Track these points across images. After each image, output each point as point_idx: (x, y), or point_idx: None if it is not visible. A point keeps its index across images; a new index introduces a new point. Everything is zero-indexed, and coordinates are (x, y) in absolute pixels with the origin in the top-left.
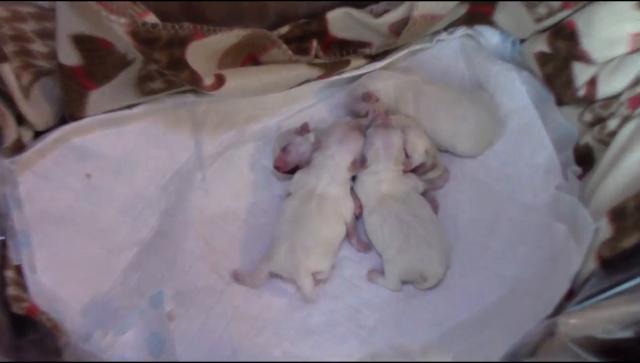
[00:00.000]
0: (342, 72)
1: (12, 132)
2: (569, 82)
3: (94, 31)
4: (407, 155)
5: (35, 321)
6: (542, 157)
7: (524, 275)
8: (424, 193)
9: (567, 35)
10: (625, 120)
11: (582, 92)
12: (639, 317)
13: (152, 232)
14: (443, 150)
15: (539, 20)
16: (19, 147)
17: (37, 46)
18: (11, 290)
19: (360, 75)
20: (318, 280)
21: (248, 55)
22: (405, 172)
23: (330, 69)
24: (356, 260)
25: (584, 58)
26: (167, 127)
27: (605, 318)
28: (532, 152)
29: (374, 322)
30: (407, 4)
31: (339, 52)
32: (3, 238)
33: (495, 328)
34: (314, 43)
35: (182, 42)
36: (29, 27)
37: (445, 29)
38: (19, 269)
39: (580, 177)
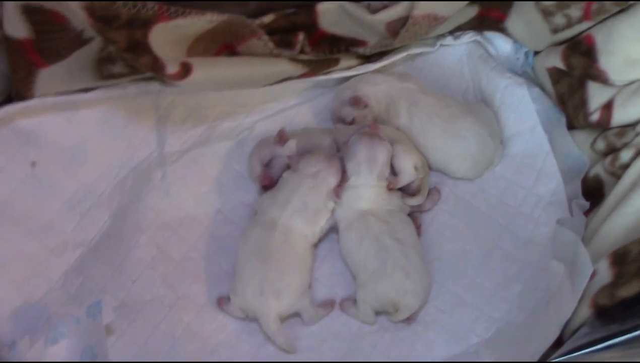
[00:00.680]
0: (330, 72)
1: None
2: (582, 104)
3: (47, 3)
4: (393, 172)
5: None
6: (547, 187)
7: (514, 319)
8: (408, 213)
9: (585, 51)
10: None
11: (595, 117)
12: None
13: (99, 233)
14: (435, 169)
15: (555, 31)
16: None
17: None
18: None
19: (351, 77)
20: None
21: (224, 45)
22: (390, 190)
23: (315, 67)
24: (328, 284)
25: (600, 78)
26: (127, 117)
27: None
28: (536, 180)
29: (340, 355)
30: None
31: (328, 49)
32: None
33: None
34: (300, 37)
35: (144, 23)
36: None
37: (451, 32)
38: None
39: (587, 212)
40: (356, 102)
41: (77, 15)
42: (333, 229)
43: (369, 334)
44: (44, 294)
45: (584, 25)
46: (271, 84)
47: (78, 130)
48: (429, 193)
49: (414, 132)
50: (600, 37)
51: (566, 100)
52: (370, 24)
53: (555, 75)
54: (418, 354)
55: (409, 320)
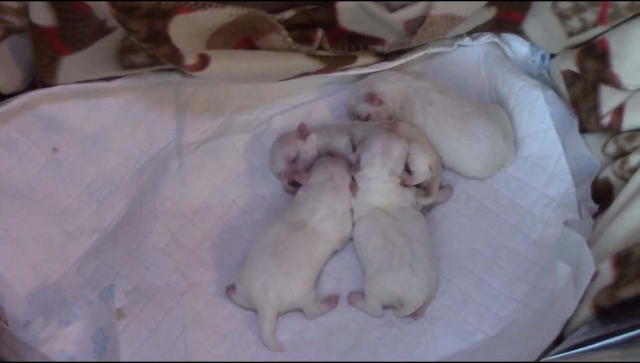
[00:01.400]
0: (347, 69)
1: None
2: (594, 107)
3: None
4: (408, 170)
5: None
6: (558, 189)
7: (520, 318)
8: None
9: (598, 55)
10: None
11: (606, 120)
12: None
13: (116, 219)
14: (447, 168)
15: (570, 34)
16: None
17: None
18: None
19: (368, 75)
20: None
21: (244, 39)
22: (403, 186)
23: (333, 64)
24: (337, 278)
25: (613, 82)
26: (148, 106)
27: None
28: (548, 182)
29: (346, 347)
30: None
31: (347, 47)
32: None
33: None
34: (319, 33)
35: (164, 14)
36: None
37: (469, 33)
38: None
39: (596, 215)
40: (371, 98)
41: (99, 5)
42: None
43: (375, 328)
44: (61, 277)
45: (599, 30)
46: (288, 79)
47: (99, 117)
48: (442, 188)
49: (428, 130)
50: (614, 41)
51: (579, 103)
52: (389, 23)
53: (570, 78)
54: (423, 349)
55: (416, 315)
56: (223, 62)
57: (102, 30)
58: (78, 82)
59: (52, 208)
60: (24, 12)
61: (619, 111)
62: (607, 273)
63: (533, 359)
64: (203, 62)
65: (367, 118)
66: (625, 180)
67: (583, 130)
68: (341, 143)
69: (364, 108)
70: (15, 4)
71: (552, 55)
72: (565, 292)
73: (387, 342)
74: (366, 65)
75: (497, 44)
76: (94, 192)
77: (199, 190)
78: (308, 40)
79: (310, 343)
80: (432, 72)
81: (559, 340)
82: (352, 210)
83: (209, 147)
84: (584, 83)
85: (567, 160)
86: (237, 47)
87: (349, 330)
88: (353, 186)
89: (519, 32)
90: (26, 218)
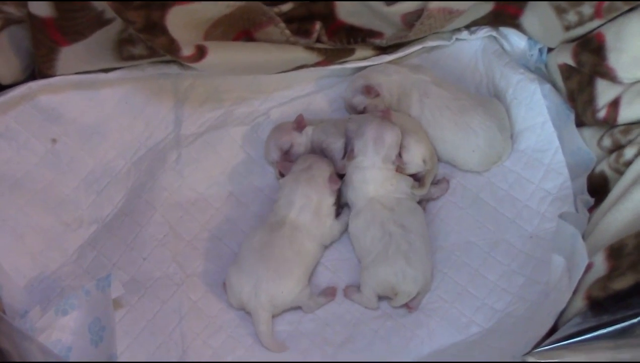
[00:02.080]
0: (345, 62)
1: None
2: (591, 100)
3: None
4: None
5: None
6: (554, 182)
7: (515, 311)
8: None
9: (595, 49)
10: None
11: (602, 114)
12: None
13: (114, 210)
14: (444, 161)
15: (567, 28)
16: None
17: None
18: None
19: (366, 67)
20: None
21: (243, 31)
22: (398, 171)
23: (331, 56)
24: (333, 269)
25: (609, 76)
26: (147, 98)
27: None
28: (544, 175)
29: (342, 338)
30: None
31: (345, 39)
32: None
33: None
34: (317, 25)
35: (161, 5)
36: None
37: (467, 27)
38: None
39: (592, 208)
40: (368, 90)
41: None
42: None
43: (371, 320)
44: (59, 267)
45: (595, 23)
46: (286, 71)
47: (98, 109)
48: (438, 182)
49: (425, 123)
50: (611, 35)
51: (576, 97)
52: (386, 16)
53: (566, 71)
54: (418, 341)
55: (412, 307)
56: (220, 53)
57: (100, 22)
58: (77, 73)
59: (50, 199)
60: (23, 3)
61: (614, 104)
62: (601, 265)
63: (527, 350)
64: (200, 53)
65: (363, 110)
66: (620, 173)
67: (579, 123)
68: (334, 145)
69: (361, 100)
70: None
71: (550, 49)
72: (559, 284)
73: (382, 334)
74: (364, 58)
75: (495, 37)
76: (93, 183)
77: (196, 182)
78: (306, 33)
79: (307, 335)
80: (430, 66)
81: (552, 331)
82: (343, 207)
83: (207, 139)
84: (581, 76)
85: (563, 154)
86: (234, 39)
87: (345, 322)
88: (333, 180)
89: (517, 26)
90: (24, 209)
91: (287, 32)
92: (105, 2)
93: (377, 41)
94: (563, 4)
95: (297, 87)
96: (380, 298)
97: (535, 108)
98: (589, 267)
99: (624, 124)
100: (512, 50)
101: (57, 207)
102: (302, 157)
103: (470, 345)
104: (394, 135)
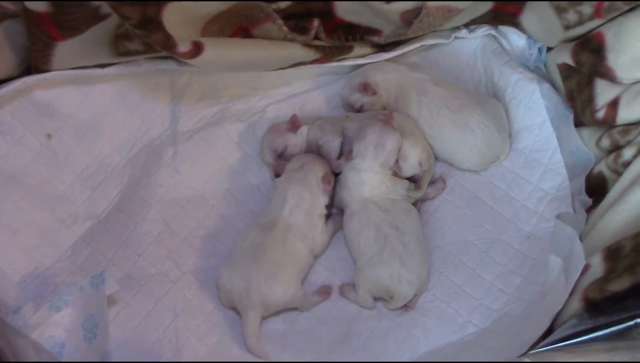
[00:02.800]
0: (343, 59)
1: None
2: (590, 101)
3: None
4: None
5: None
6: (552, 182)
7: (512, 311)
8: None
9: (594, 49)
10: None
11: (601, 114)
12: None
13: (110, 206)
14: (441, 160)
15: (567, 27)
16: None
17: None
18: None
19: (364, 65)
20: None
21: (240, 27)
22: (394, 176)
23: (328, 54)
24: (329, 268)
25: (608, 76)
26: (143, 94)
27: None
28: (542, 175)
29: (337, 337)
30: None
31: (344, 37)
32: None
33: None
34: (315, 23)
35: (157, 1)
36: None
37: (466, 25)
38: None
39: (590, 209)
40: (365, 88)
41: None
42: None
43: (367, 319)
44: (53, 263)
45: (595, 23)
46: (283, 68)
47: (94, 104)
48: (434, 182)
49: (422, 121)
50: (610, 34)
51: (575, 97)
52: (385, 13)
53: (565, 71)
54: (414, 340)
55: (408, 307)
56: (217, 49)
57: (96, 17)
58: (73, 68)
59: (45, 195)
60: None
61: (613, 105)
62: (598, 267)
63: (523, 351)
64: (197, 49)
65: (360, 108)
66: (618, 174)
67: (578, 123)
68: (331, 144)
69: (358, 98)
70: None
71: (549, 48)
72: (556, 284)
73: (378, 333)
74: (362, 56)
75: (494, 36)
76: (88, 179)
77: (192, 179)
78: (304, 30)
79: (302, 333)
80: (428, 64)
81: (549, 332)
82: (338, 212)
83: (203, 136)
84: (580, 76)
85: (562, 154)
86: (232, 36)
87: (341, 321)
88: (326, 180)
89: (516, 25)
90: (19, 204)
91: (285, 29)
92: None
93: (376, 39)
94: (563, 3)
95: (295, 85)
96: (376, 297)
97: (534, 108)
98: (586, 269)
99: (623, 125)
100: (512, 49)
101: (52, 202)
102: (297, 157)
103: (466, 345)
104: (395, 143)
